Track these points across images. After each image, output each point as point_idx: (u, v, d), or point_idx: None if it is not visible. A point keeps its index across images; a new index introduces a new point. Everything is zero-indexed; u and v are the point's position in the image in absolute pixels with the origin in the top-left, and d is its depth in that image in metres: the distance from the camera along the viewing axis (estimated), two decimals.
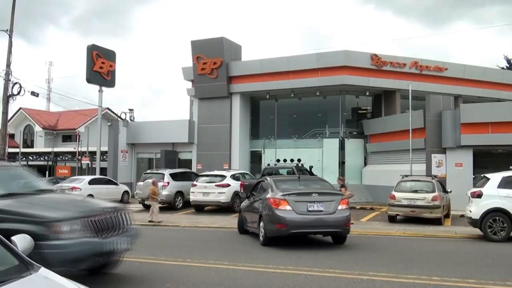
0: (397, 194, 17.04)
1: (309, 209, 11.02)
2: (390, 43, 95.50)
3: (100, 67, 29.24)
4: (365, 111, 30.74)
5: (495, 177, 13.25)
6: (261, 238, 11.66)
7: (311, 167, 23.88)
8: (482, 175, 14.33)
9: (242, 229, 14.01)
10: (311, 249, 11.08)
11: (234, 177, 21.82)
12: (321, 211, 11.07)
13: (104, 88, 29.98)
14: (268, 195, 11.57)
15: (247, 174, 24.31)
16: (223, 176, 21.48)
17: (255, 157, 30.83)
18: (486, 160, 22.37)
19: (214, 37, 29.50)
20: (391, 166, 24.94)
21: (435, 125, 22.34)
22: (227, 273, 8.34)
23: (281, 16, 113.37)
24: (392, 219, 17.21)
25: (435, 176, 19.05)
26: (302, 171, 21.90)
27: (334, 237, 11.97)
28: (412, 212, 16.45)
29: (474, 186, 14.42)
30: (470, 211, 13.25)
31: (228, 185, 20.82)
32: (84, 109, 42.81)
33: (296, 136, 29.73)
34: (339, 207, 11.26)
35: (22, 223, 6.18)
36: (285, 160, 24.43)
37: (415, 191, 16.78)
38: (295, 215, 10.90)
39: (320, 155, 28.52)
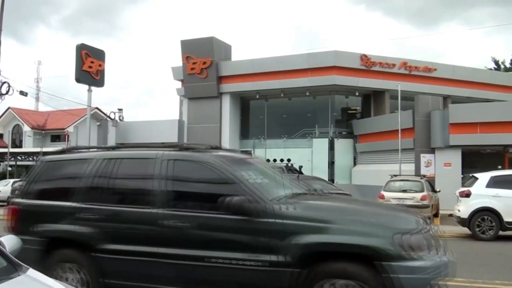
0: (386, 194, 17.09)
1: None
2: (382, 44, 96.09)
3: (89, 67, 29.06)
4: (354, 111, 30.86)
5: (484, 177, 13.37)
6: None
7: (300, 167, 23.90)
8: (470, 175, 14.45)
9: None
10: None
11: None
12: None
13: (93, 88, 29.84)
14: None
15: None
16: None
17: None
18: (474, 160, 22.55)
19: (204, 37, 29.46)
20: (380, 166, 25.04)
21: (424, 125, 22.48)
22: None
23: (272, 16, 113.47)
24: None
25: (424, 176, 19.14)
26: (292, 171, 21.92)
27: None
28: None
29: (463, 185, 14.52)
30: (459, 211, 13.37)
31: None
32: (73, 109, 42.49)
33: (286, 136, 29.77)
34: None
35: (355, 235, 4.47)
36: (275, 160, 24.43)
37: (404, 191, 16.83)
38: None
39: (310, 155, 28.55)
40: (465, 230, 13.44)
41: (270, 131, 30.39)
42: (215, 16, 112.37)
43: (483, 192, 12.92)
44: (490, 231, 12.65)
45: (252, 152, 30.21)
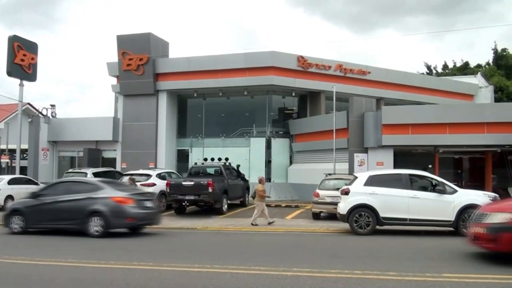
0: (321, 192, 17.51)
1: (145, 205, 13.95)
2: (319, 46, 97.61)
3: (21, 60, 27.97)
4: (291, 111, 31.25)
5: (362, 176, 14.39)
6: (96, 231, 13.16)
7: (238, 166, 23.96)
8: (352, 174, 15.27)
9: (29, 226, 14.43)
10: (237, 248, 11.13)
11: (160, 176, 21.52)
12: (150, 207, 14.19)
13: (25, 82, 28.71)
14: (111, 194, 13.58)
15: (173, 173, 24.05)
16: (149, 175, 21.12)
17: (182, 156, 30.55)
18: (406, 160, 23.26)
19: (140, 33, 28.87)
20: (315, 165, 25.50)
21: (357, 126, 23.05)
22: (152, 274, 8.20)
23: (211, 15, 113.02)
24: (316, 216, 17.67)
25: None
26: (229, 170, 21.94)
27: (137, 228, 14.37)
28: (335, 209, 16.82)
29: (345, 184, 15.23)
30: (339, 207, 14.19)
31: (154, 184, 20.46)
32: (3, 104, 40.56)
33: (224, 135, 29.75)
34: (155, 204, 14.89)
35: None
36: (212, 159, 24.35)
37: (338, 189, 17.21)
38: (139, 210, 13.63)
39: (247, 154, 28.69)
40: (401, 227, 14.01)
41: (208, 130, 30.26)
42: (153, 12, 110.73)
43: (361, 190, 13.82)
44: (367, 227, 13.50)
45: (190, 151, 30.03)
